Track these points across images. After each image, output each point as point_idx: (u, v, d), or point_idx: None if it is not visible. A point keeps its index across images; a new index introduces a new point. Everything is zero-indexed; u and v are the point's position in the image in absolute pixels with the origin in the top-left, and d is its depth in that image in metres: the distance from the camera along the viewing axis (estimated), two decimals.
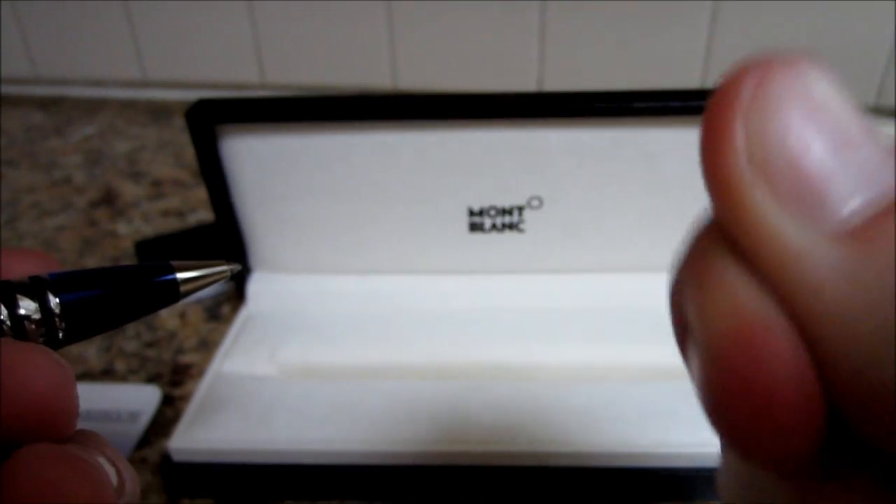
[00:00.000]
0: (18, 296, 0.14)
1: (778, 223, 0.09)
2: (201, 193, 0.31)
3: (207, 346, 0.33)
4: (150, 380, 0.32)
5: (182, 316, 0.35)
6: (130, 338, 0.34)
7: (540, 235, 0.31)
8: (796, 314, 0.08)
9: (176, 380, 0.32)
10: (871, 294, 0.07)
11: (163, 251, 0.38)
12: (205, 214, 0.44)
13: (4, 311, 0.14)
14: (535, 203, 0.30)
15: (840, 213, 0.08)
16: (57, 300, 0.14)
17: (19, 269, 0.15)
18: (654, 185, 0.30)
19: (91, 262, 0.41)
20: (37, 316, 0.14)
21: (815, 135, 0.09)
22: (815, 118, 0.09)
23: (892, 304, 0.07)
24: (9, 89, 0.64)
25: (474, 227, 0.31)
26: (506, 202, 0.30)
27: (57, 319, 0.14)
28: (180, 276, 0.15)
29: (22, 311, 0.14)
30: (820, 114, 0.09)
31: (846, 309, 0.08)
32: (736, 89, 0.09)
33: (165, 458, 0.26)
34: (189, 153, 0.35)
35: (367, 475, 0.25)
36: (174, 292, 0.15)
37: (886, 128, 0.40)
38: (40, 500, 0.12)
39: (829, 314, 0.08)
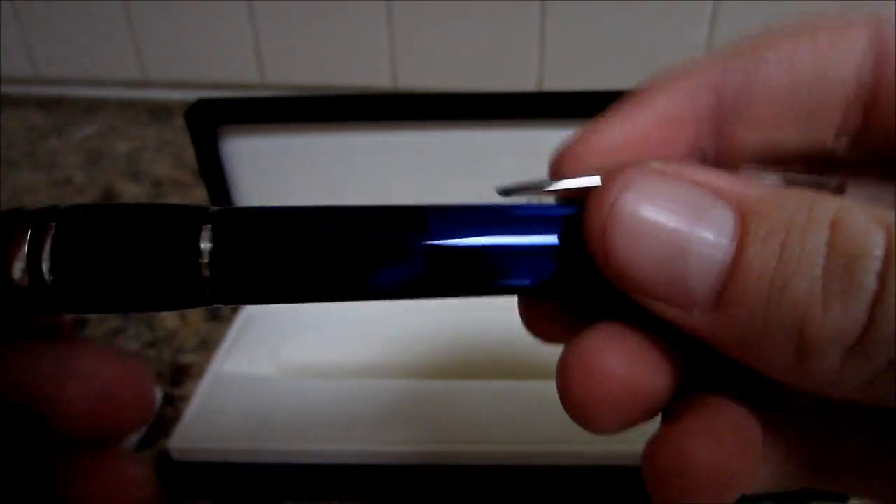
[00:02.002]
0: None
1: (658, 310, 0.12)
2: (201, 193, 0.31)
3: (207, 346, 0.33)
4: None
5: (182, 316, 0.35)
6: (130, 337, 0.34)
7: None
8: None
9: (176, 380, 0.32)
10: (735, 332, 0.11)
11: None
12: None
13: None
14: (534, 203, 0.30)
15: (700, 295, 0.11)
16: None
17: None
18: None
19: None
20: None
21: (658, 240, 0.12)
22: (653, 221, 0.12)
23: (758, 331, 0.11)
24: (9, 89, 0.64)
25: None
26: (505, 202, 0.30)
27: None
28: None
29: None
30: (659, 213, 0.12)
31: (722, 340, 0.12)
32: (599, 206, 0.12)
33: (165, 457, 0.26)
34: (189, 153, 0.35)
35: (367, 475, 0.25)
36: None
37: None
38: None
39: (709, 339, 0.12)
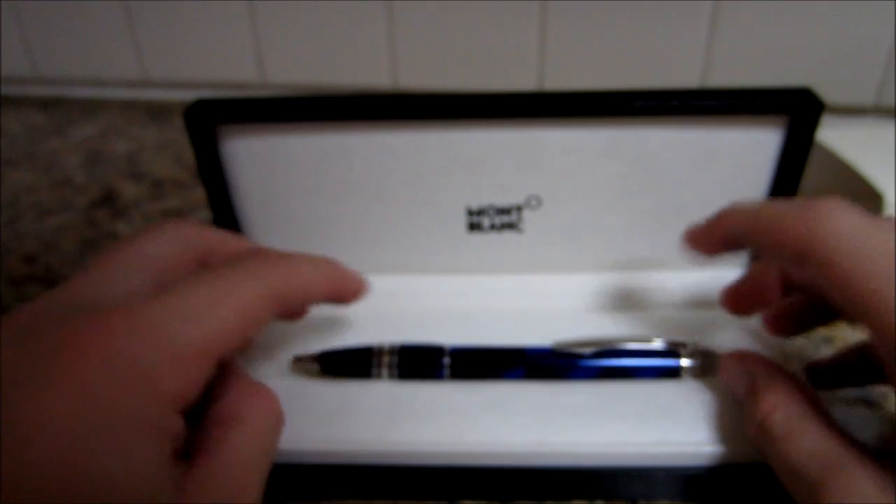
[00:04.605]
0: None
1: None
2: (201, 193, 0.31)
3: None
4: None
5: None
6: None
7: (539, 235, 0.31)
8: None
9: None
10: None
11: None
12: (205, 214, 0.44)
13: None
14: (533, 203, 0.30)
15: None
16: None
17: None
18: (654, 184, 0.30)
19: None
20: None
21: None
22: None
23: None
24: (9, 89, 0.64)
25: (473, 227, 0.31)
26: (505, 202, 0.30)
27: None
28: None
29: None
30: None
31: None
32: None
33: None
34: (189, 153, 0.35)
35: (367, 475, 0.25)
36: None
37: (886, 128, 0.40)
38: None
39: None
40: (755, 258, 0.26)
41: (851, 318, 0.20)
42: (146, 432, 0.17)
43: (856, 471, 0.19)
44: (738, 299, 0.26)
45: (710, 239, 0.24)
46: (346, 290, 0.25)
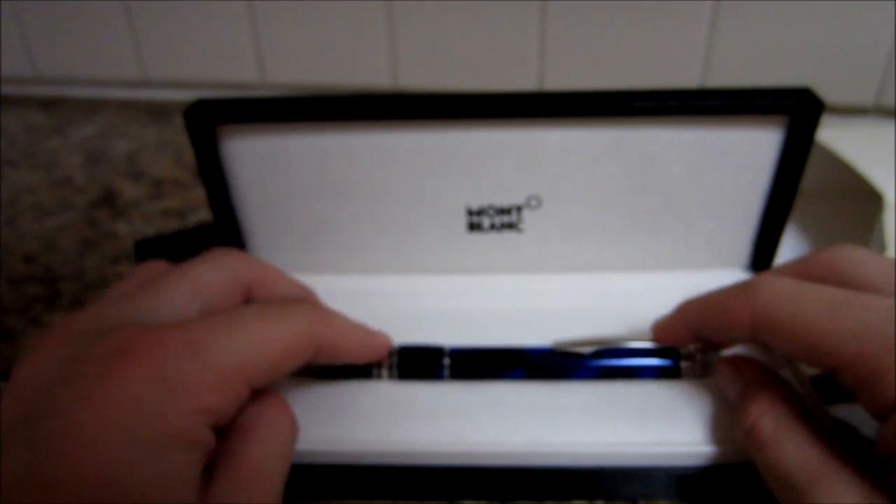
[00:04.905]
0: None
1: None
2: (201, 193, 0.31)
3: None
4: None
5: None
6: None
7: (539, 235, 0.31)
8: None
9: None
10: None
11: (163, 251, 0.38)
12: (205, 214, 0.44)
13: None
14: (533, 203, 0.30)
15: None
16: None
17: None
18: (654, 184, 0.30)
19: (91, 262, 0.41)
20: None
21: None
22: None
23: None
24: (9, 89, 0.64)
25: (473, 227, 0.31)
26: (505, 202, 0.30)
27: None
28: None
29: None
30: None
31: None
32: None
33: None
34: (189, 153, 0.35)
35: (367, 475, 0.25)
36: None
37: (886, 128, 0.40)
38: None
39: None
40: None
41: (813, 363, 0.21)
42: (183, 443, 0.18)
43: (839, 482, 0.19)
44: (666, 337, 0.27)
45: (675, 332, 0.26)
46: (371, 355, 0.27)
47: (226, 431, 0.21)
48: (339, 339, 0.24)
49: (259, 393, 0.23)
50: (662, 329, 0.27)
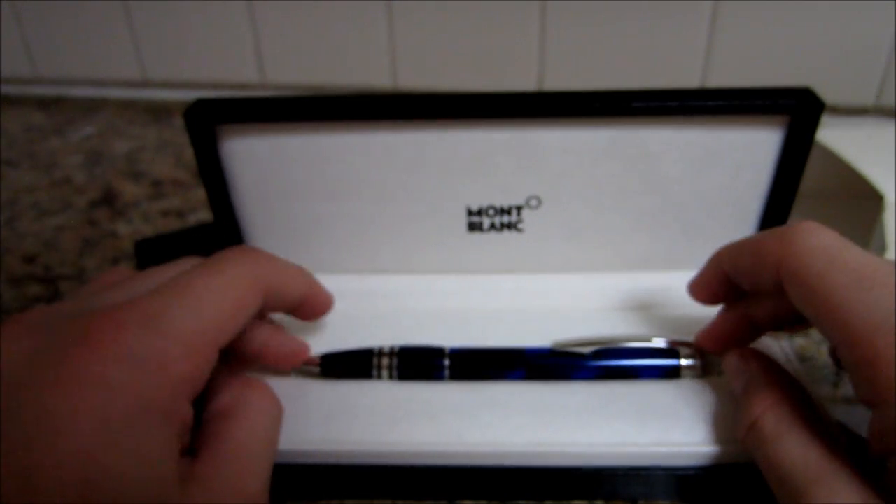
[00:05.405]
0: None
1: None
2: (201, 193, 0.31)
3: None
4: None
5: None
6: None
7: (538, 235, 0.31)
8: None
9: None
10: None
11: (163, 251, 0.38)
12: (205, 214, 0.44)
13: None
14: (533, 203, 0.30)
15: None
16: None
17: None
18: (653, 184, 0.30)
19: (91, 262, 0.41)
20: None
21: None
22: None
23: None
24: (9, 89, 0.64)
25: (473, 227, 0.31)
26: (504, 202, 0.30)
27: None
28: None
29: None
30: None
31: None
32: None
33: None
34: (189, 153, 0.35)
35: (367, 475, 0.25)
36: None
37: (886, 128, 0.40)
38: None
39: None
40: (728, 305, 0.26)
41: (821, 328, 0.20)
42: (158, 418, 0.18)
43: (839, 482, 0.19)
44: (712, 341, 0.26)
45: (708, 282, 0.26)
46: (319, 297, 0.27)
47: (209, 415, 0.22)
48: (281, 275, 0.25)
49: (241, 377, 0.23)
50: (696, 283, 0.26)
